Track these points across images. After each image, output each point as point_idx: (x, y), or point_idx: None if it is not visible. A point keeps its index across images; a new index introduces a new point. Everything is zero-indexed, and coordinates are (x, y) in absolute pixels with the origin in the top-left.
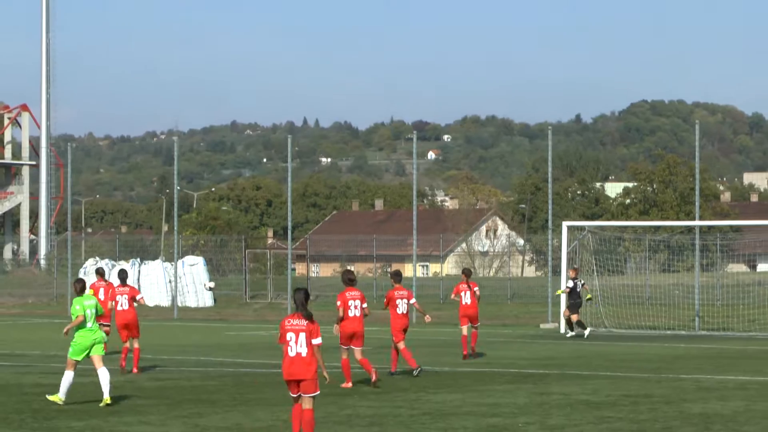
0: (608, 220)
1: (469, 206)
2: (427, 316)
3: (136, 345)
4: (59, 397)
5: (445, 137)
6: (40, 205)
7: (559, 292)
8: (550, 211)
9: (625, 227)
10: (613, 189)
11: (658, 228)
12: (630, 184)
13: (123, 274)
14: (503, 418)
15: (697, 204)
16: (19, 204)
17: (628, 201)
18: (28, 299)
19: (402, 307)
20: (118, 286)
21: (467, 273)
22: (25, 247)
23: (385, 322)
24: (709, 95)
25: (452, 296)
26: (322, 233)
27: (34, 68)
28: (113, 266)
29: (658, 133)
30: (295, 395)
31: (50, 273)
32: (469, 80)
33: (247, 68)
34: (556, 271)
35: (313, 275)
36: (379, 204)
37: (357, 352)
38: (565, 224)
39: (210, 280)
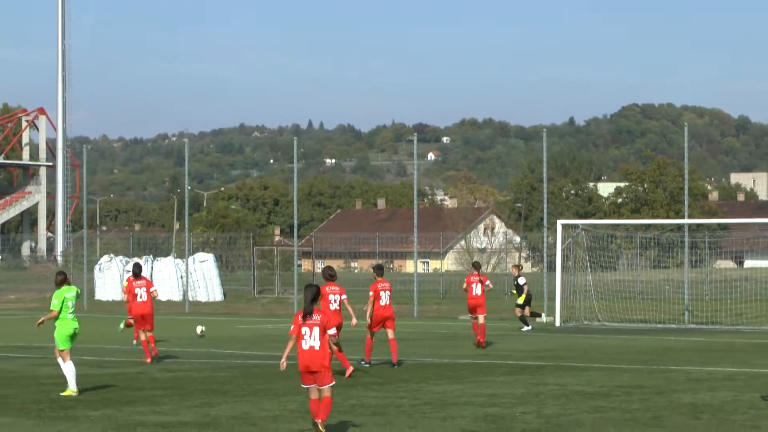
0: (601, 218)
1: (468, 205)
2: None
3: (150, 335)
4: (71, 390)
5: (445, 139)
6: (57, 204)
7: (518, 296)
8: (545, 210)
9: (617, 225)
10: (606, 189)
11: (648, 226)
12: (622, 184)
13: (137, 268)
14: (501, 407)
15: (686, 203)
16: (37, 203)
17: (620, 200)
18: (45, 294)
19: (385, 298)
20: (135, 279)
21: (477, 266)
22: (42, 244)
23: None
24: (697, 99)
25: (463, 287)
26: (327, 231)
27: (51, 73)
28: (127, 262)
29: (649, 135)
30: (308, 386)
31: (67, 269)
32: (467, 85)
33: (255, 73)
34: (552, 268)
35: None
36: (381, 203)
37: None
38: (559, 222)
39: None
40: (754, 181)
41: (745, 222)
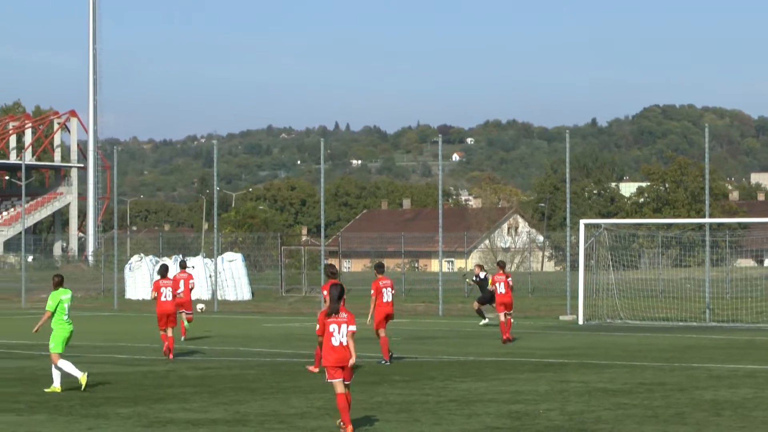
0: (623, 218)
1: (492, 205)
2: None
3: (170, 333)
4: (56, 387)
5: (469, 140)
6: (88, 204)
7: (468, 281)
8: (568, 210)
9: (639, 224)
10: (628, 189)
11: (670, 225)
12: (643, 184)
13: (164, 269)
14: (525, 404)
15: (707, 202)
16: (68, 204)
17: (641, 200)
18: (77, 293)
19: (387, 295)
20: (161, 279)
21: (502, 265)
22: (73, 245)
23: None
24: (718, 100)
25: (489, 286)
26: (353, 231)
27: (82, 76)
28: (157, 262)
29: (670, 135)
30: (335, 380)
31: (98, 269)
32: (490, 86)
33: (282, 76)
34: (575, 266)
35: (344, 270)
36: (406, 203)
37: None
38: (582, 222)
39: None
40: None
41: (765, 221)
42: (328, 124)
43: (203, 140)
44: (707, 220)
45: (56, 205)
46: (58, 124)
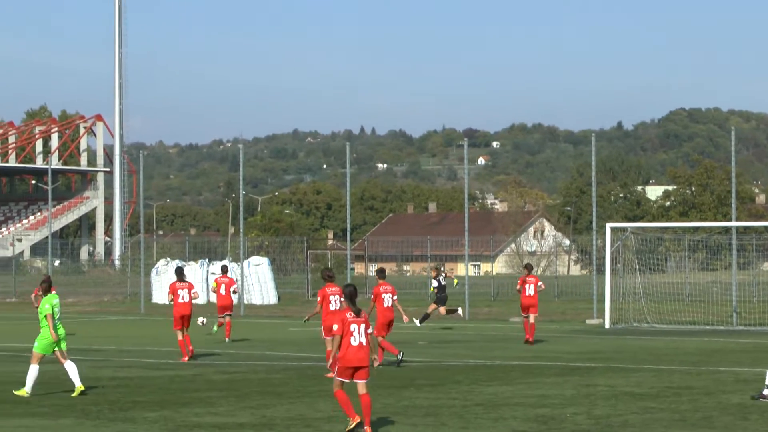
0: (649, 221)
1: (518, 209)
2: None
3: (185, 333)
4: (25, 391)
5: (494, 144)
6: (114, 209)
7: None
8: (594, 213)
9: (666, 228)
10: (654, 192)
11: (696, 229)
12: (669, 188)
13: (180, 272)
14: (551, 408)
15: (733, 206)
16: (95, 208)
17: (668, 203)
18: (103, 297)
19: (387, 301)
20: (178, 281)
21: (529, 268)
22: (100, 249)
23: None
24: (744, 103)
25: (517, 288)
26: (379, 235)
27: (108, 81)
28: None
29: (696, 139)
30: (346, 380)
31: (124, 273)
32: (516, 90)
33: (308, 80)
34: (601, 270)
35: (371, 274)
36: (432, 207)
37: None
38: (608, 225)
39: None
40: None
41: None
42: (354, 127)
43: (229, 144)
44: (734, 223)
45: (83, 210)
46: (85, 128)
